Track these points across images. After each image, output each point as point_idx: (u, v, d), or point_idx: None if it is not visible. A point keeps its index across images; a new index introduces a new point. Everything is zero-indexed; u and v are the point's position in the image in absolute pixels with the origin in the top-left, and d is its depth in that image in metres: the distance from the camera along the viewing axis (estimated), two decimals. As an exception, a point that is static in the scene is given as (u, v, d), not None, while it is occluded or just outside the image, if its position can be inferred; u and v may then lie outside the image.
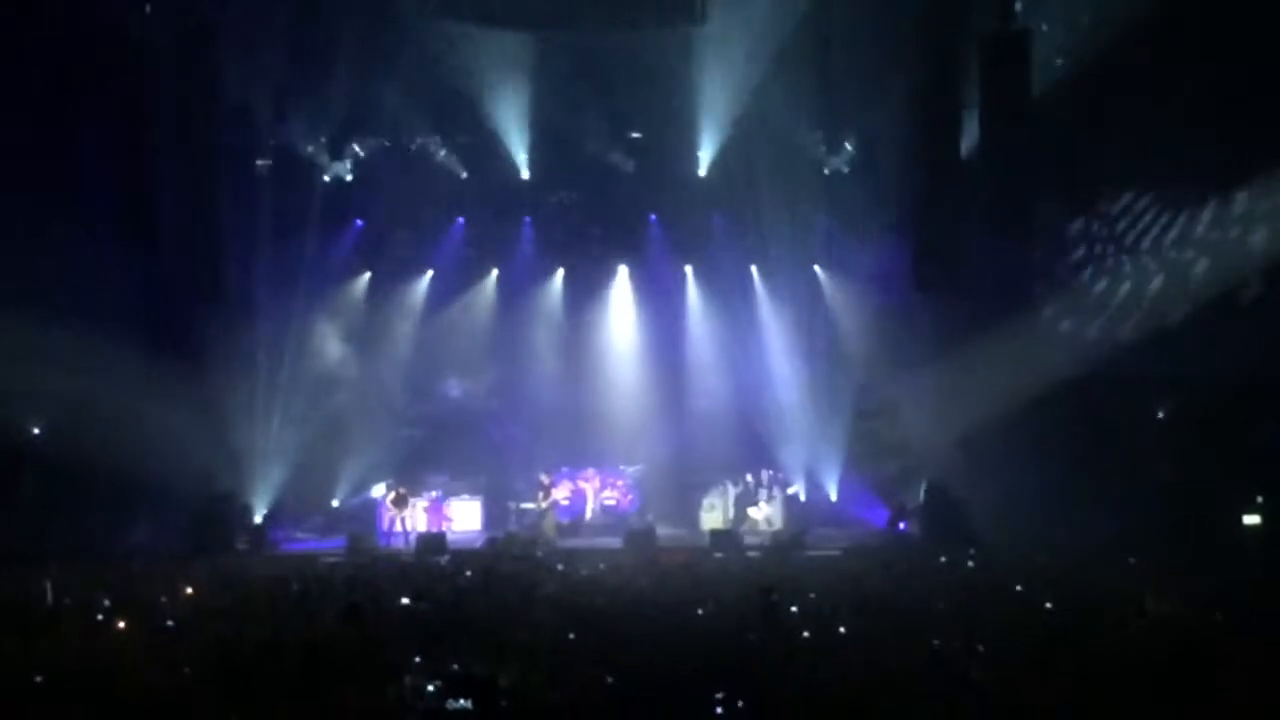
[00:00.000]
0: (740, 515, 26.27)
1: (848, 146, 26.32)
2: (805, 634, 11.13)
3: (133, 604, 14.22)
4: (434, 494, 27.01)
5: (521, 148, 27.15)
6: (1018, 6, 22.61)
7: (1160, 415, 23.01)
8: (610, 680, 9.03)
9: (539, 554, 21.87)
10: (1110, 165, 23.08)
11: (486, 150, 27.22)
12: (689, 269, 28.99)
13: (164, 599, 14.64)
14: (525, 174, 27.62)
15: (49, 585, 14.89)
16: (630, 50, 25.09)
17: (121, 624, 12.77)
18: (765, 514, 26.33)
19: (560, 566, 19.16)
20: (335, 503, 26.95)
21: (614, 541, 24.16)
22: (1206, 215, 21.67)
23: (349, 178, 27.34)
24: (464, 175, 27.76)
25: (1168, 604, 13.15)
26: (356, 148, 27.11)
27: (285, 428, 26.10)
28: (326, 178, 26.96)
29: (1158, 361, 21.63)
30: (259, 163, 25.39)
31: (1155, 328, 21.75)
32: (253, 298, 25.05)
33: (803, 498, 26.44)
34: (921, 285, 23.90)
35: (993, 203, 22.77)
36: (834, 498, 26.55)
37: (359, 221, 28.01)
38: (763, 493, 26.51)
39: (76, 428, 21.90)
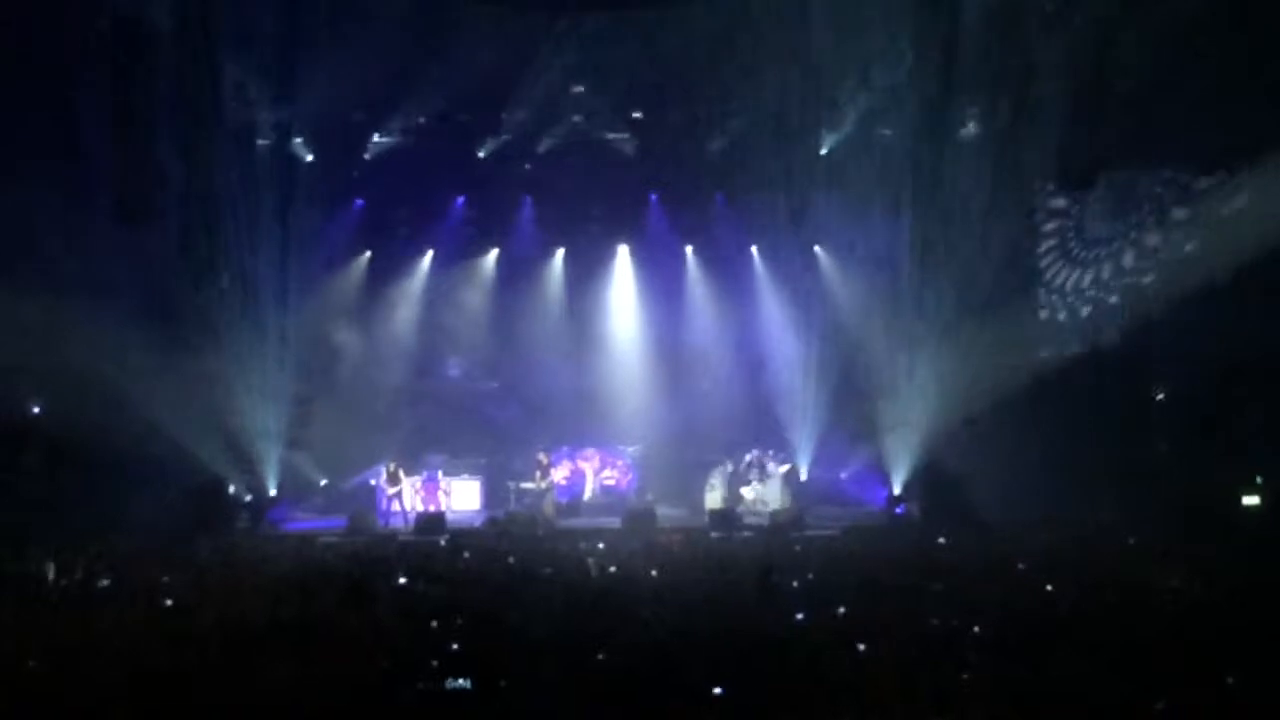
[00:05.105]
0: (734, 495, 26.23)
1: (847, 125, 26.21)
2: (800, 615, 11.15)
3: (133, 583, 14.26)
4: (426, 473, 27.05)
5: (521, 127, 27.09)
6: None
7: (1160, 395, 23.02)
8: (605, 658, 9.06)
9: (538, 534, 21.93)
10: (1110, 144, 23.00)
11: (487, 129, 27.16)
12: (689, 249, 29.03)
13: (165, 578, 14.65)
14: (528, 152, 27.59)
15: (51, 564, 14.93)
16: (632, 29, 25.03)
17: (122, 603, 12.79)
18: (758, 493, 26.25)
19: (559, 546, 19.18)
20: (323, 482, 27.04)
21: (613, 521, 24.16)
22: (1206, 195, 21.59)
23: (353, 156, 27.27)
24: (464, 154, 27.56)
25: (1175, 578, 13.18)
26: (358, 126, 27.00)
27: (285, 407, 26.12)
28: (310, 157, 26.76)
29: (1157, 341, 21.61)
30: (260, 142, 25.30)
31: (1155, 307, 21.69)
32: (253, 276, 24.96)
33: (803, 477, 26.43)
34: (920, 264, 23.94)
35: (993, 181, 22.79)
36: (834, 477, 26.59)
37: (359, 201, 28.02)
38: (754, 472, 26.48)
39: (78, 406, 21.89)
